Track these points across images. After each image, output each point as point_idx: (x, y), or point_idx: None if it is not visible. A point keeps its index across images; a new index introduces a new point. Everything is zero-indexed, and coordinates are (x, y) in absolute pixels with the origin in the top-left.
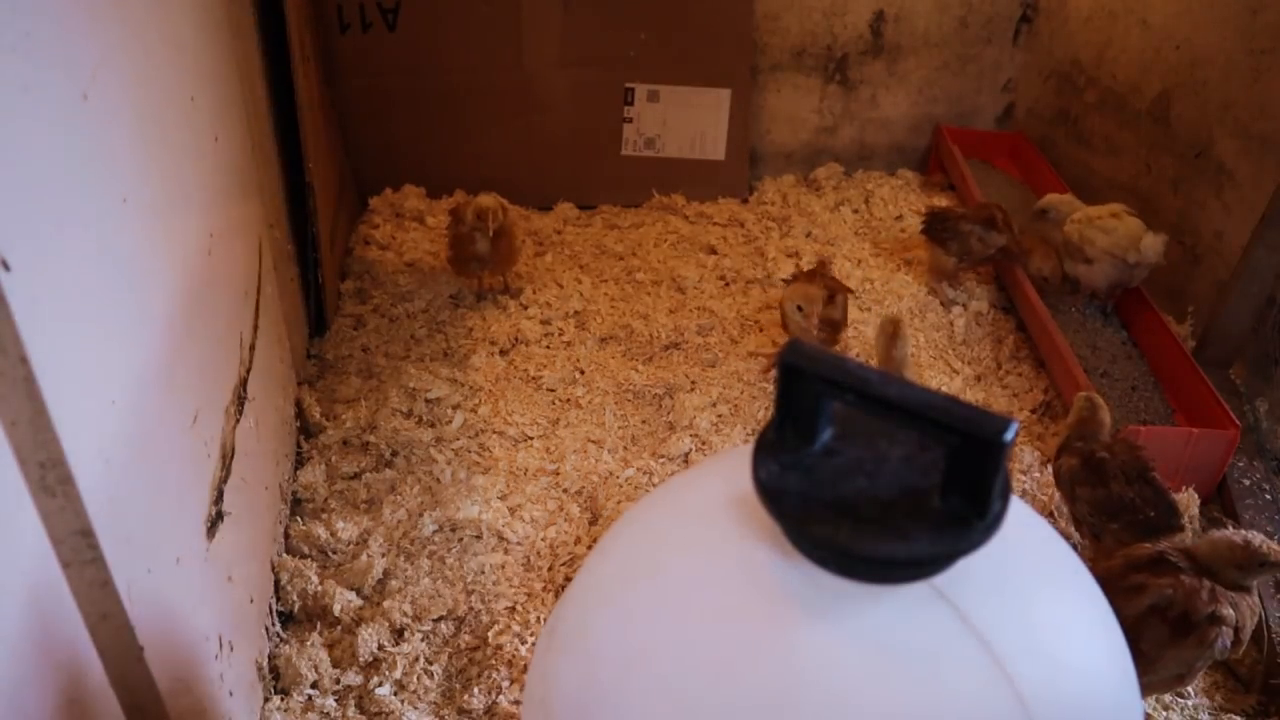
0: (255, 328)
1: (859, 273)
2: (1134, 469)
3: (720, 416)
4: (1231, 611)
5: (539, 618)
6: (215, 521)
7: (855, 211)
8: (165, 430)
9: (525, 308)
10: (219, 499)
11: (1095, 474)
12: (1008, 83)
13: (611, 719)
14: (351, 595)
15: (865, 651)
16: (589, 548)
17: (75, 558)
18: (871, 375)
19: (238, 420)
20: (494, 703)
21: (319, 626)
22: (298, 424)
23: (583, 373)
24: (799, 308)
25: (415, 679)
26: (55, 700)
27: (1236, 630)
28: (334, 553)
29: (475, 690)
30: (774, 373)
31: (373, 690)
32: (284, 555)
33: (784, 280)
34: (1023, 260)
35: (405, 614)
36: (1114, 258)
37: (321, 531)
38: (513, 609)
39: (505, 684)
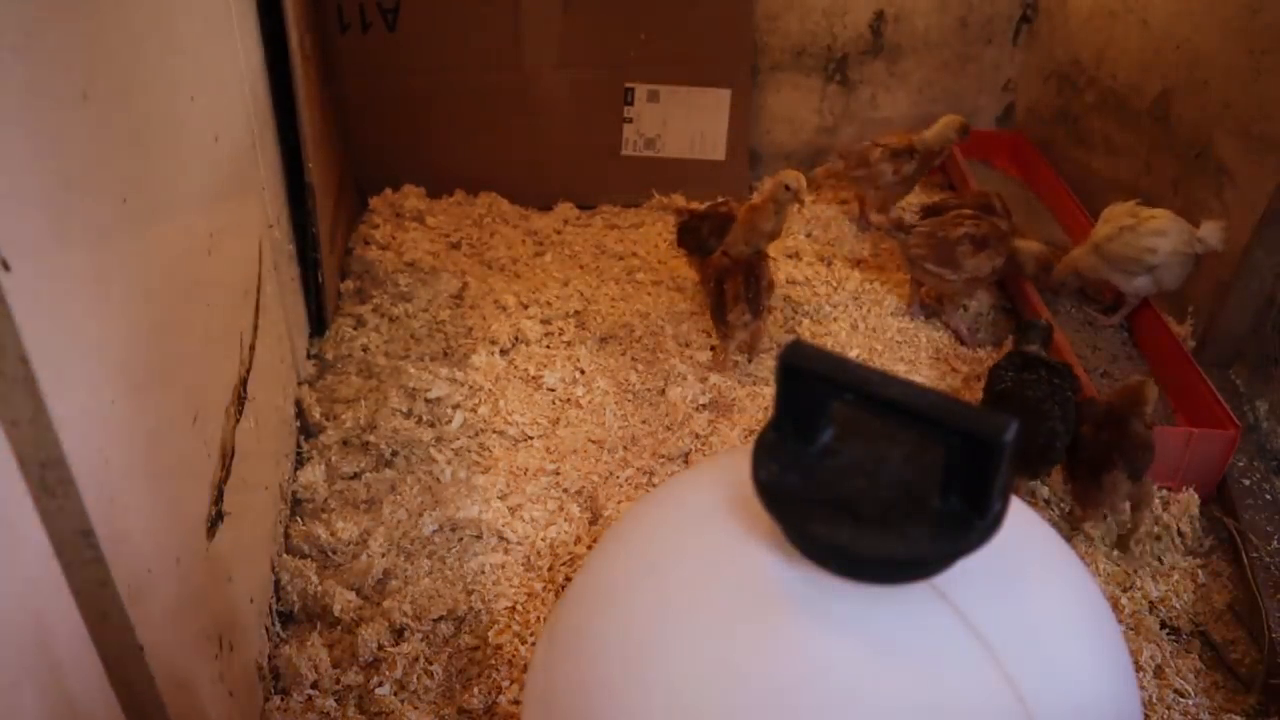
0: (255, 328)
1: (858, 273)
2: (1117, 416)
3: (720, 416)
4: None
5: (539, 618)
6: (215, 521)
7: (855, 211)
8: (165, 430)
9: (525, 307)
10: (219, 499)
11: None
12: (1008, 83)
13: (612, 719)
14: (351, 595)
15: (866, 651)
16: (589, 548)
17: (75, 558)
18: (871, 375)
19: (238, 420)
20: (494, 703)
21: (319, 626)
22: (298, 424)
23: (583, 373)
24: (787, 186)
25: (415, 679)
26: (55, 700)
27: None
28: (334, 553)
29: (475, 690)
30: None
31: (373, 690)
32: (284, 555)
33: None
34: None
35: (405, 614)
36: (1183, 255)
37: (321, 531)
38: (513, 609)
39: (505, 684)
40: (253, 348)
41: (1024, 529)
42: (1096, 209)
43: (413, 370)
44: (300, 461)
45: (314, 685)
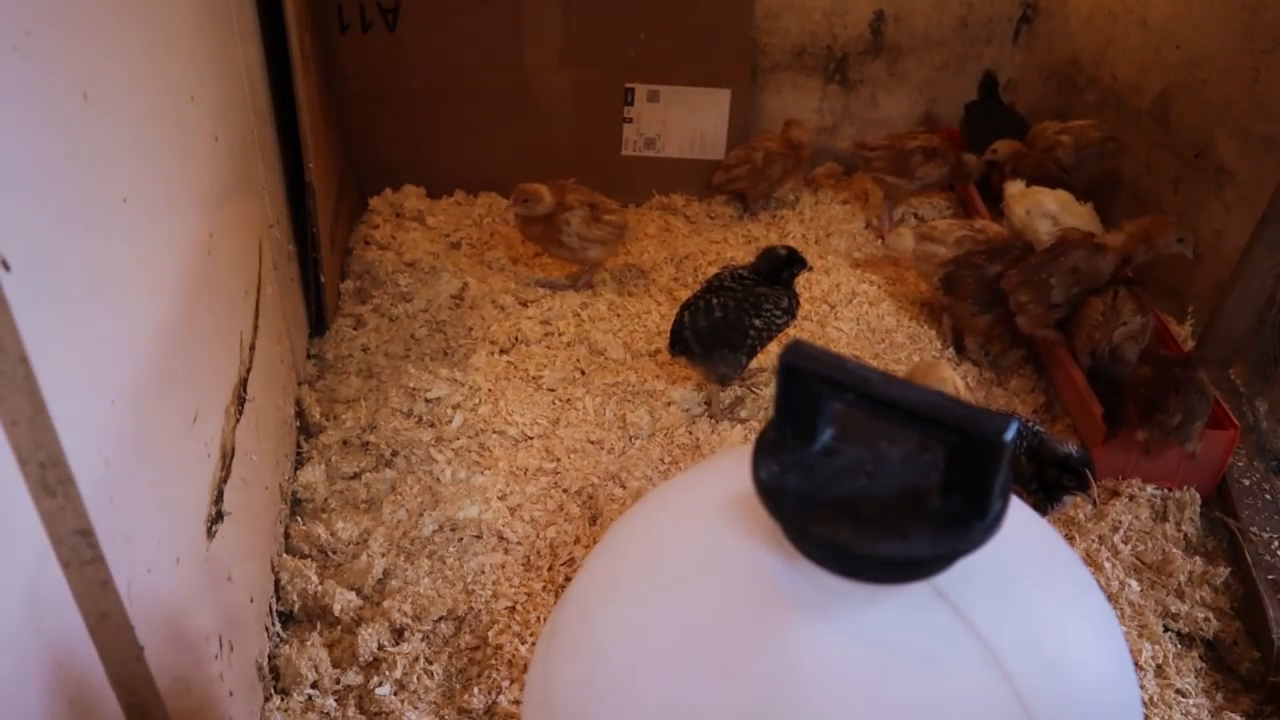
0: (255, 328)
1: (857, 274)
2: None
3: (720, 417)
4: None
5: (539, 618)
6: (215, 521)
7: (855, 213)
8: (165, 430)
9: (525, 307)
10: (219, 499)
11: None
12: (1008, 83)
13: (612, 719)
14: (351, 595)
15: (865, 652)
16: (589, 548)
17: (75, 558)
18: (871, 375)
19: (238, 420)
20: (494, 703)
21: (319, 626)
22: (298, 424)
23: (583, 373)
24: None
25: (415, 679)
26: (55, 700)
27: None
28: (334, 553)
29: (475, 690)
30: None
31: (373, 690)
32: (284, 555)
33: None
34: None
35: (405, 614)
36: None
37: (321, 531)
38: (513, 609)
39: (505, 684)
40: (253, 348)
41: (1024, 529)
42: (1096, 208)
43: (413, 370)
44: (300, 461)
45: (314, 685)
